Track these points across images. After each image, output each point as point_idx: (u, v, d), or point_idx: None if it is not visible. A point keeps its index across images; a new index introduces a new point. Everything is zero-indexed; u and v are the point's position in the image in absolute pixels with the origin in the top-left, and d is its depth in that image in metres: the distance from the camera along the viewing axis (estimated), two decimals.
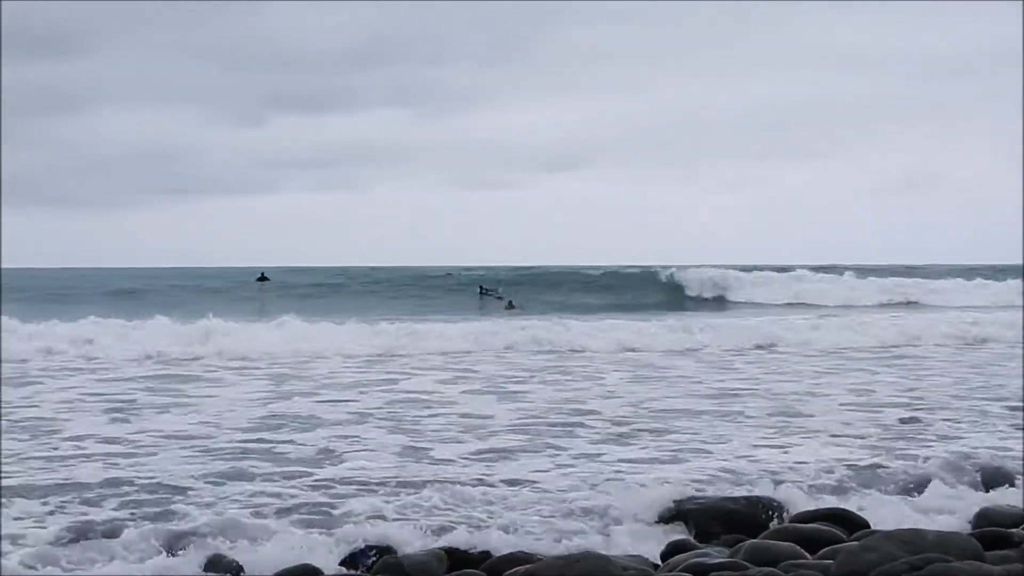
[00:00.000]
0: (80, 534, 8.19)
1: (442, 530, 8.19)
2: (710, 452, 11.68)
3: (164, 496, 9.49)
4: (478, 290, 50.59)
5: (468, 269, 55.71)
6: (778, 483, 9.59)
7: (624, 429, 13.19)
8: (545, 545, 7.89)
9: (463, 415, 14.38)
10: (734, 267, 54.58)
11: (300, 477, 10.32)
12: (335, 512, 8.95)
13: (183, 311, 28.92)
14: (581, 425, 13.55)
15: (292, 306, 33.01)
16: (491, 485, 9.93)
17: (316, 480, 10.21)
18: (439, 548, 7.67)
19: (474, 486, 9.72)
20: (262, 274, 59.82)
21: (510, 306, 44.76)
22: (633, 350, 24.47)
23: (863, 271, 54.51)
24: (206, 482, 10.08)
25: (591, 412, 14.63)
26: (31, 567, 7.40)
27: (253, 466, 10.86)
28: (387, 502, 9.12)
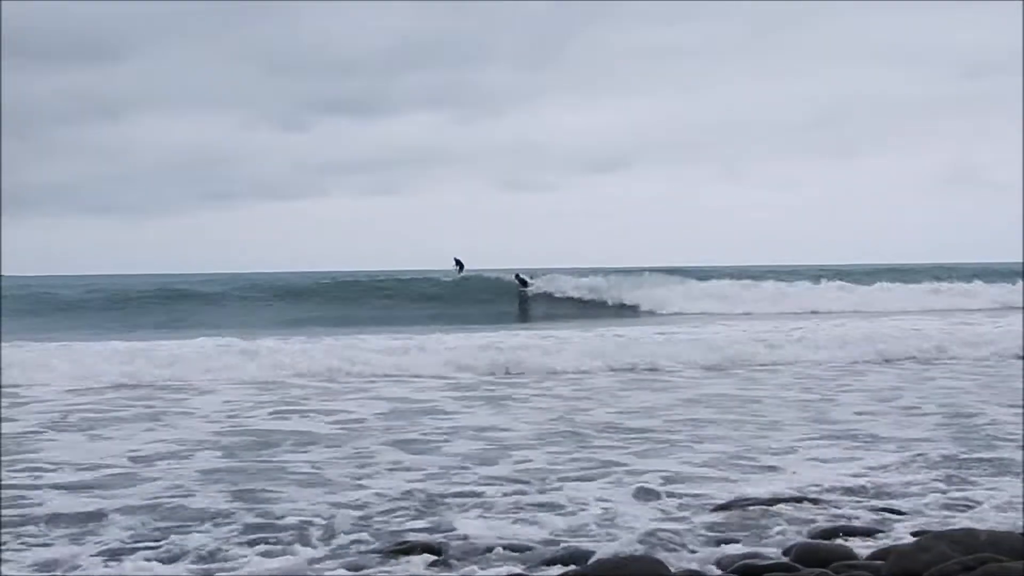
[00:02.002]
0: None
1: None
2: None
3: None
4: (515, 281, 48.21)
5: (509, 271, 55.28)
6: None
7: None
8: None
9: None
10: (765, 268, 54.03)
11: None
12: None
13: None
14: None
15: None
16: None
17: None
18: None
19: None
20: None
21: (523, 284, 44.62)
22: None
23: (900, 271, 53.48)
24: None
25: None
26: None
27: None
28: None
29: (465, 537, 8.26)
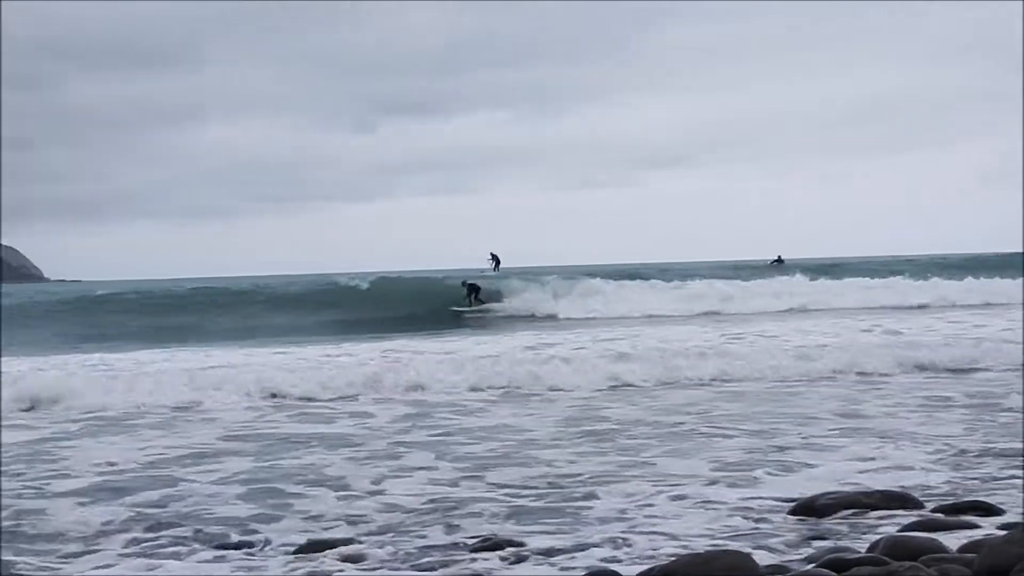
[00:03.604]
0: None
1: None
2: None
3: None
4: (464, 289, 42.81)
5: (569, 268, 55.36)
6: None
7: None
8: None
9: None
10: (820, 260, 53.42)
11: None
12: None
13: None
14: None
15: None
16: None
17: None
18: None
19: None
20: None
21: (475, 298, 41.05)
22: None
23: (945, 265, 52.61)
24: None
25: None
26: None
27: None
28: None
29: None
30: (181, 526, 9.09)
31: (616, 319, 36.80)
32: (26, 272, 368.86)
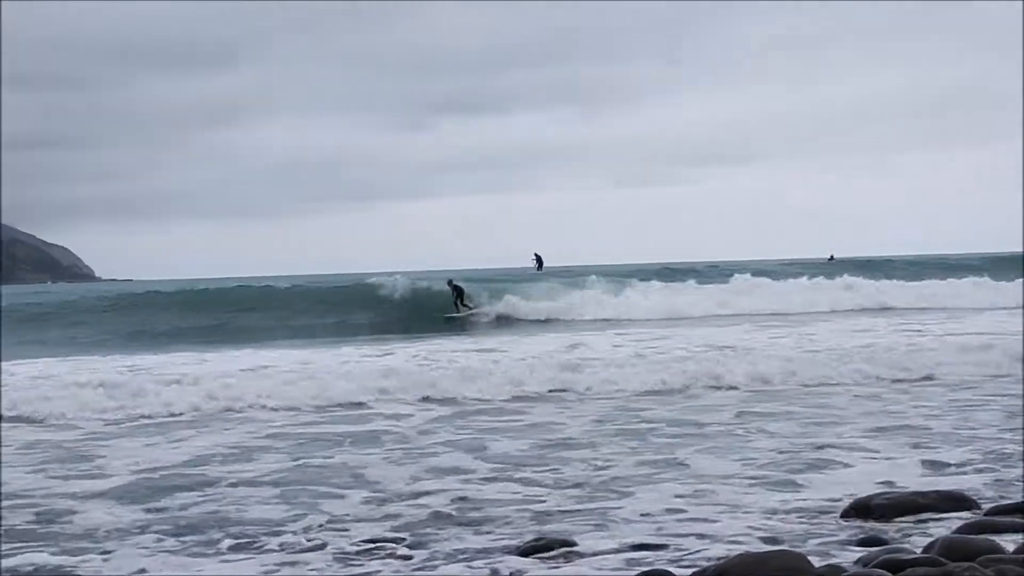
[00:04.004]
0: None
1: None
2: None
3: None
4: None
5: (621, 266, 55.21)
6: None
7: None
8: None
9: None
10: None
11: None
12: None
13: None
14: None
15: None
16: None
17: None
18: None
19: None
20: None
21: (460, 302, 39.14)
22: None
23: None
24: None
25: None
26: None
27: None
28: None
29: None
30: (218, 526, 9.19)
31: (663, 320, 35.83)
32: (78, 271, 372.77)
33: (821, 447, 11.97)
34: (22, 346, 29.32)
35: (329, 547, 8.30)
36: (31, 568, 8.05)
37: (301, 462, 12.03)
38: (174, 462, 12.26)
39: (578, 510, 9.36)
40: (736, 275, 44.19)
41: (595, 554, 7.79)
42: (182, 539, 8.77)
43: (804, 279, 44.03)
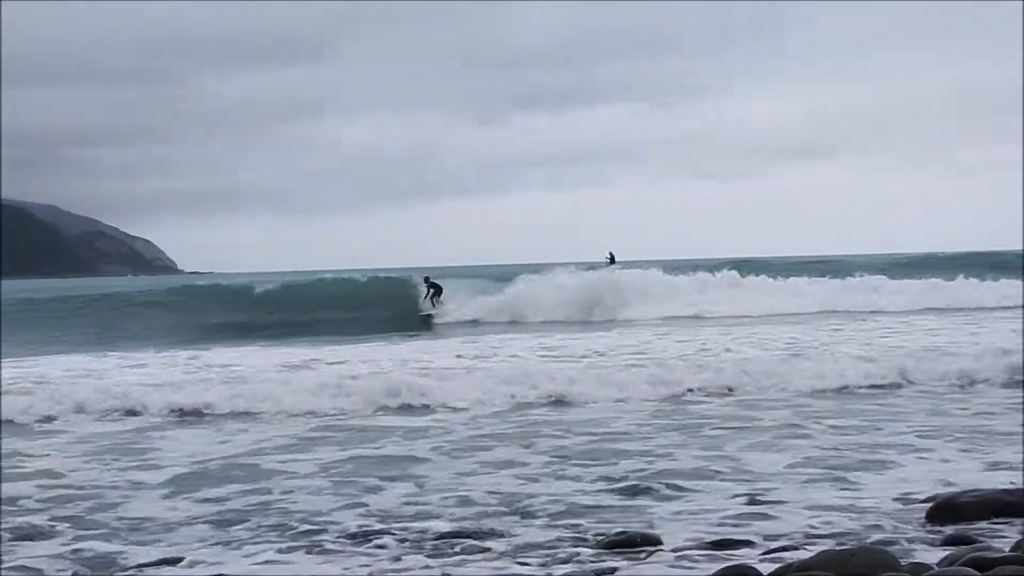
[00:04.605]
0: None
1: None
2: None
3: None
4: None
5: (692, 261, 54.81)
6: None
7: None
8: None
9: None
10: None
11: None
12: None
13: None
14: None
15: None
16: None
17: None
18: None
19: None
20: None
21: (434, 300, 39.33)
22: None
23: None
24: None
25: None
26: None
27: None
28: None
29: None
30: (275, 516, 9.37)
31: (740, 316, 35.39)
32: (160, 264, 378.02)
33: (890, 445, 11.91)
34: (102, 337, 29.99)
35: (407, 542, 8.37)
36: (91, 554, 8.28)
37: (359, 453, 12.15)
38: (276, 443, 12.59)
39: (649, 505, 9.42)
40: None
41: (678, 549, 7.80)
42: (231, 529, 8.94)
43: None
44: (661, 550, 7.75)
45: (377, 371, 18.69)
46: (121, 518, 9.48)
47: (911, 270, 47.64)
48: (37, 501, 10.15)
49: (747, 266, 46.80)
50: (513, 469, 11.19)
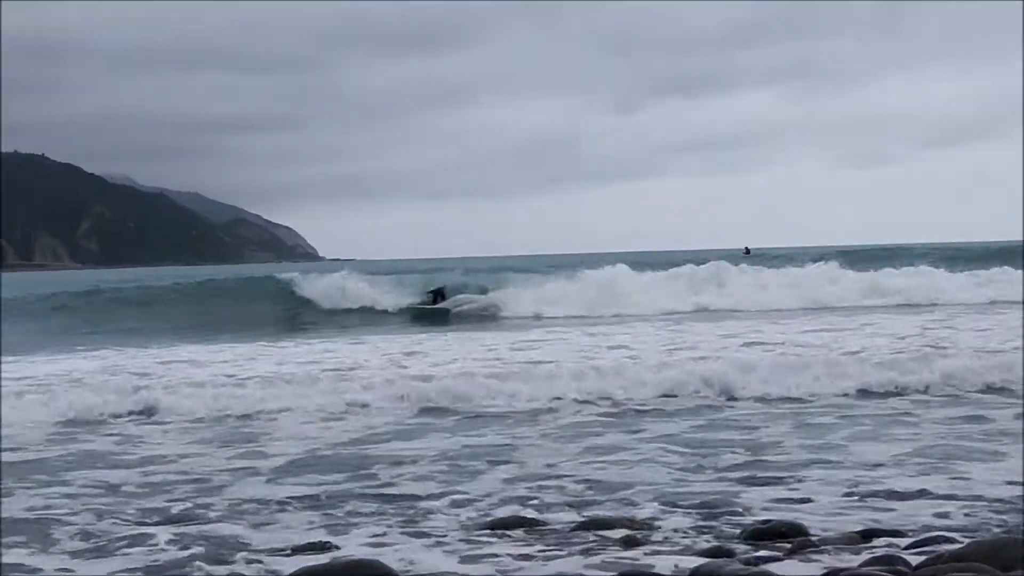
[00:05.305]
0: None
1: None
2: None
3: None
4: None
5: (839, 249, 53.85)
6: None
7: None
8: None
9: None
10: None
11: None
12: None
13: None
14: None
15: None
16: None
17: None
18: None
19: None
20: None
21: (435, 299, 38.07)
22: None
23: None
24: None
25: None
26: None
27: None
28: None
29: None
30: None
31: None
32: (302, 251, 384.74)
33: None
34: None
35: (547, 526, 8.45)
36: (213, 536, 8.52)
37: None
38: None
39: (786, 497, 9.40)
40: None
41: (824, 540, 7.72)
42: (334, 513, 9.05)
43: None
44: (807, 540, 7.67)
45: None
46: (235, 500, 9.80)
47: None
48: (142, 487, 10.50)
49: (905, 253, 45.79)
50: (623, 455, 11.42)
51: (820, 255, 44.47)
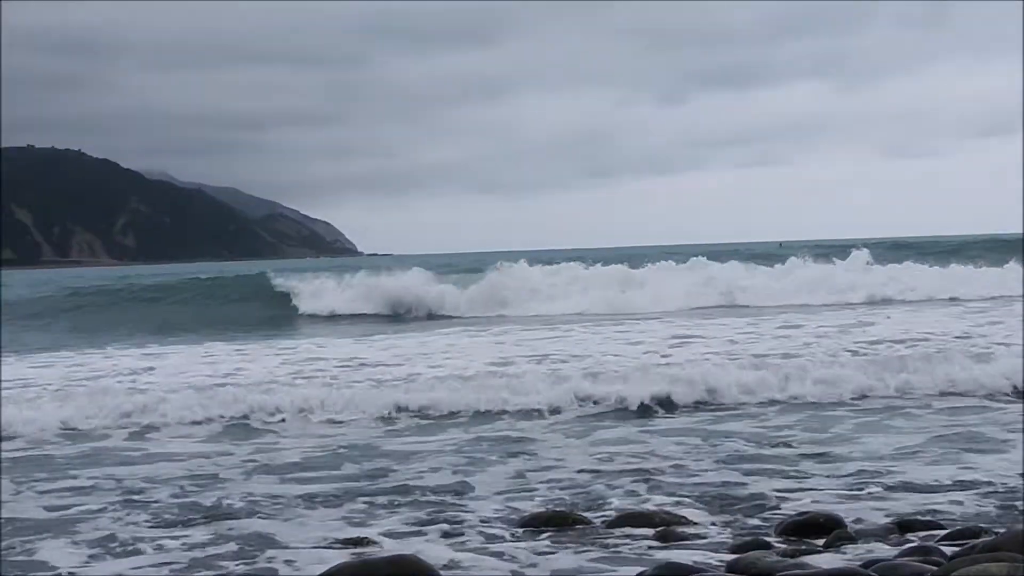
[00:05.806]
0: None
1: None
2: None
3: None
4: None
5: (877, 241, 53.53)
6: None
7: None
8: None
9: None
10: None
11: None
12: None
13: None
14: None
15: None
16: None
17: None
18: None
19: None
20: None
21: None
22: None
23: None
24: None
25: None
26: None
27: None
28: None
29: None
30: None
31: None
32: (340, 246, 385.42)
33: None
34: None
35: (581, 524, 8.42)
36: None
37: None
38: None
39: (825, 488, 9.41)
40: None
41: (860, 532, 7.69)
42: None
43: None
44: (844, 532, 7.62)
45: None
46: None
47: None
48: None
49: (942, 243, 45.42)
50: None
51: (872, 246, 42.84)
